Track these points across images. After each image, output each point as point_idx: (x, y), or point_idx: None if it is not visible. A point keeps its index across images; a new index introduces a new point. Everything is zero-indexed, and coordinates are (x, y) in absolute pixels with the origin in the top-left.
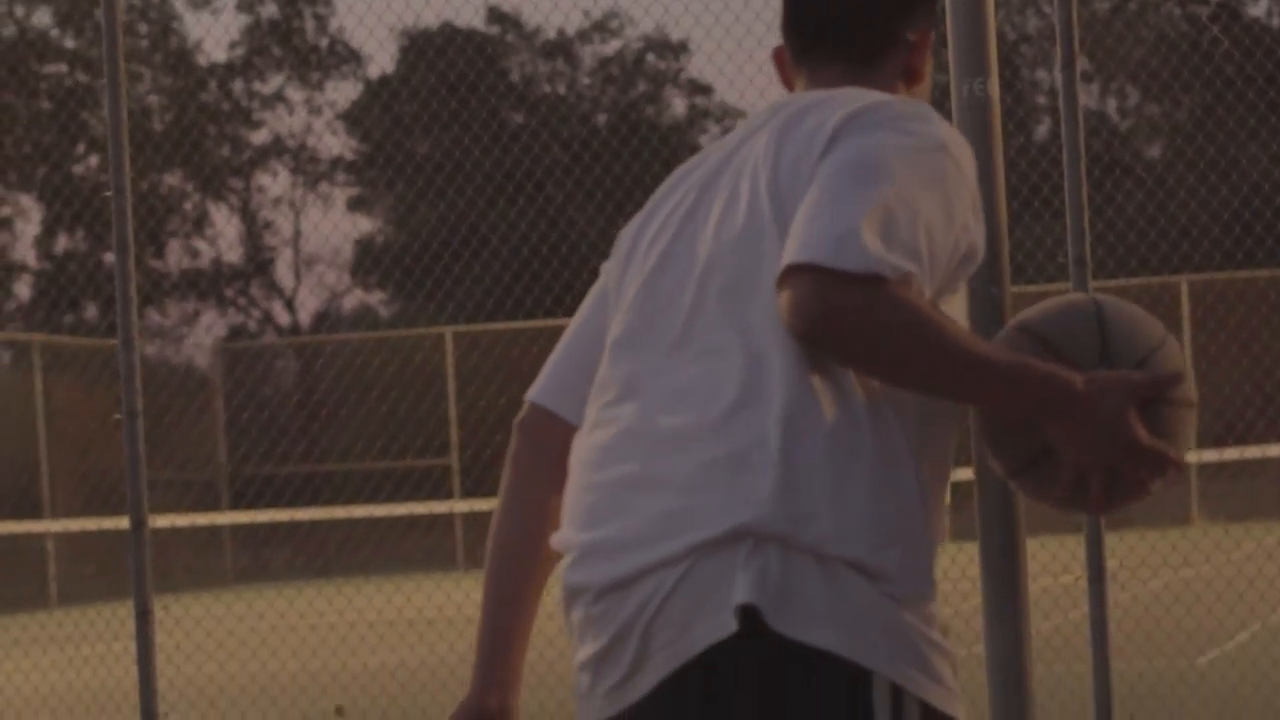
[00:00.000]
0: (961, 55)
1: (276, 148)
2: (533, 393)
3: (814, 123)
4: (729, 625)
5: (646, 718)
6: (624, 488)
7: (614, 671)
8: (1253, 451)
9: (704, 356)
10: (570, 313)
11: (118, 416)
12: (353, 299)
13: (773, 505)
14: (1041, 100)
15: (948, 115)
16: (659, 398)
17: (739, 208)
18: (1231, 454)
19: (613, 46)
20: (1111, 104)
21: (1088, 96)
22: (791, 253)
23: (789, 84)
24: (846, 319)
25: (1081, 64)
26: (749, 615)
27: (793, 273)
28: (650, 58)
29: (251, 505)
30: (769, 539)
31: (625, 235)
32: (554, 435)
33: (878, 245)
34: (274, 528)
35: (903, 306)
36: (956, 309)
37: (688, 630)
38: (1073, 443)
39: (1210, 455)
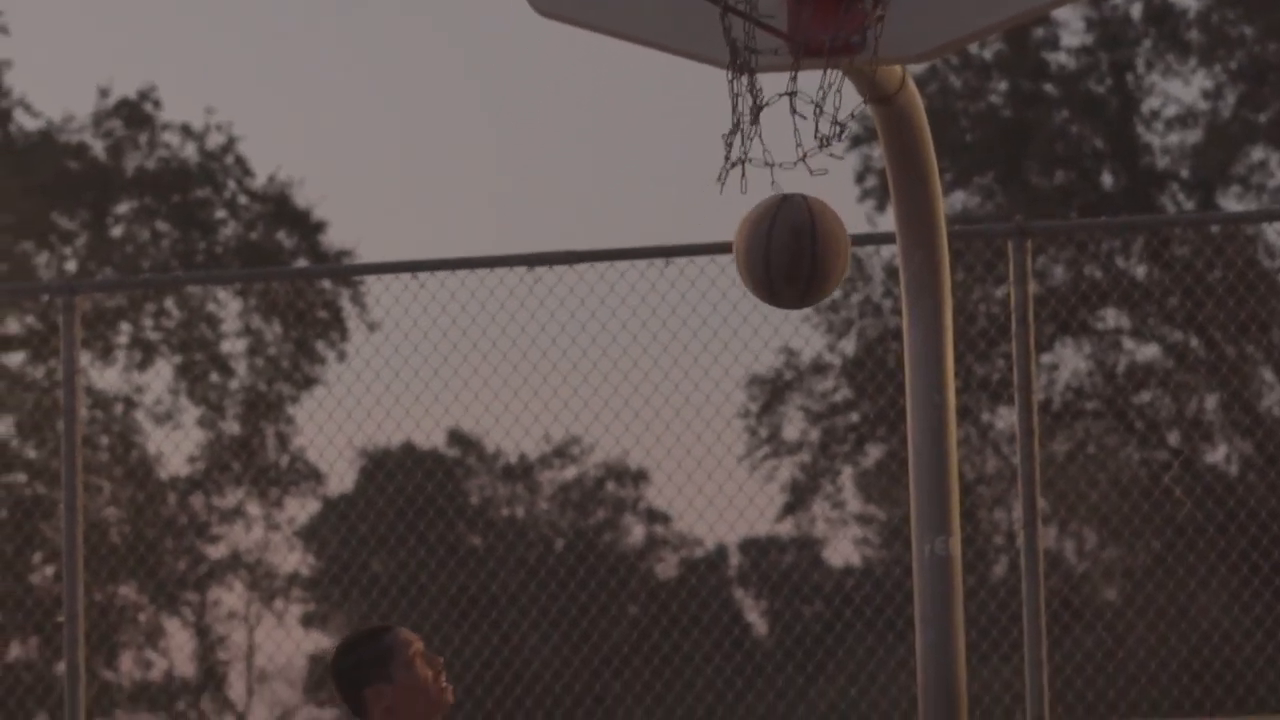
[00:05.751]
0: (923, 513)
1: (233, 563)
2: None
3: None
4: None
5: None
6: None
7: None
8: None
9: None
10: None
11: None
12: (305, 715)
13: None
14: (999, 540)
15: (907, 571)
16: None
17: None
18: None
19: (572, 473)
20: (1069, 545)
21: (1045, 538)
22: None
23: None
24: None
25: (1040, 505)
26: None
27: None
28: (610, 485)
29: None
30: None
31: None
32: None
33: None
34: None
35: None
36: None
37: None
38: None
39: None
